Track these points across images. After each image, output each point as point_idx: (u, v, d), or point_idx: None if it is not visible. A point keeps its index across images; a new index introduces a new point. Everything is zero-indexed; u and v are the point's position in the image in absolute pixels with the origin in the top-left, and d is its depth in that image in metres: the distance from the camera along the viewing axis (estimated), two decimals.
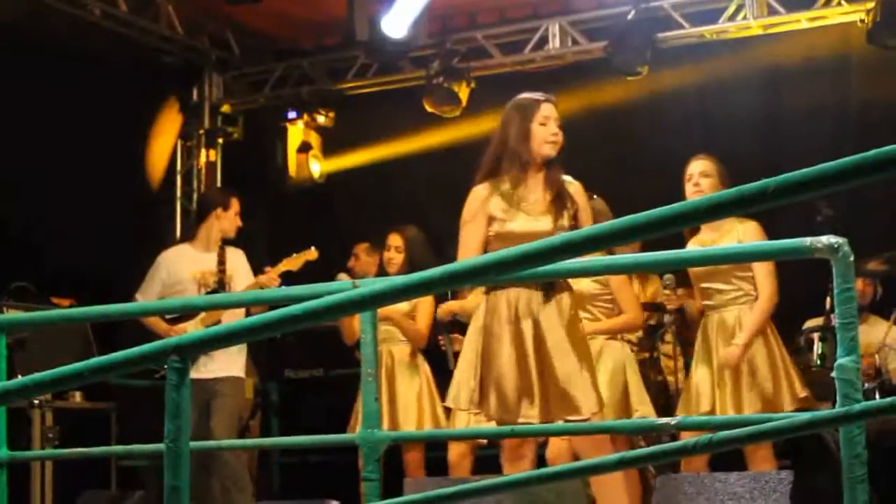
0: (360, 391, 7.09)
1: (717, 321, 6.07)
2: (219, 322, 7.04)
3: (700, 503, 4.42)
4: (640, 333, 6.99)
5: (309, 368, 9.21)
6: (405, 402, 7.14)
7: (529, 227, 5.06)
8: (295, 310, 2.22)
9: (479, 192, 5.19)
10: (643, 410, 6.42)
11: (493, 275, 2.09)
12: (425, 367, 7.28)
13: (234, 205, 7.42)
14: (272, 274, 7.09)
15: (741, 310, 6.05)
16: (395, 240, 7.30)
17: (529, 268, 2.11)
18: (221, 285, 7.22)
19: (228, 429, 7.10)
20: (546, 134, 5.14)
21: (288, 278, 7.02)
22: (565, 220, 5.12)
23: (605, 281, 6.50)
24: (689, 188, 6.19)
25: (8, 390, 2.76)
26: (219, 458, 7.00)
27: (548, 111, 5.19)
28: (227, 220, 7.39)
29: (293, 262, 7.20)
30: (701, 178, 6.16)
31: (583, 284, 6.55)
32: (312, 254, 7.25)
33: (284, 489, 9.34)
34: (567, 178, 5.23)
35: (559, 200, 5.14)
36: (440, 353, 7.14)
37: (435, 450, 7.32)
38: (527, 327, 4.96)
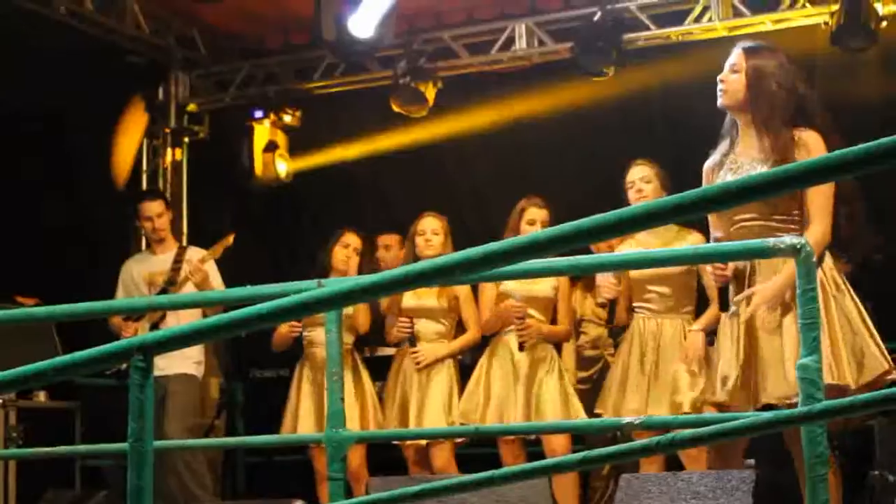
0: (290, 389, 7.18)
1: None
2: (163, 318, 7.25)
3: (664, 503, 4.43)
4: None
5: (275, 368, 9.17)
6: (349, 403, 7.11)
7: None
8: (261, 308, 2.22)
9: (706, 165, 5.12)
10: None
11: (458, 274, 2.09)
12: (365, 371, 7.24)
13: (141, 209, 7.62)
14: (195, 266, 7.19)
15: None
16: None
17: (494, 267, 2.11)
18: (171, 284, 7.32)
19: (183, 427, 7.15)
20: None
21: (258, 277, 7.00)
22: None
23: (558, 287, 6.62)
24: (631, 195, 6.26)
25: None
26: (177, 455, 7.02)
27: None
28: (142, 224, 7.64)
29: (214, 252, 7.31)
30: (643, 184, 6.24)
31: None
32: (228, 239, 7.34)
33: (250, 489, 9.32)
34: (798, 130, 4.92)
35: (773, 153, 4.85)
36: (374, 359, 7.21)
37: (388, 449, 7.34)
38: (742, 308, 4.71)
